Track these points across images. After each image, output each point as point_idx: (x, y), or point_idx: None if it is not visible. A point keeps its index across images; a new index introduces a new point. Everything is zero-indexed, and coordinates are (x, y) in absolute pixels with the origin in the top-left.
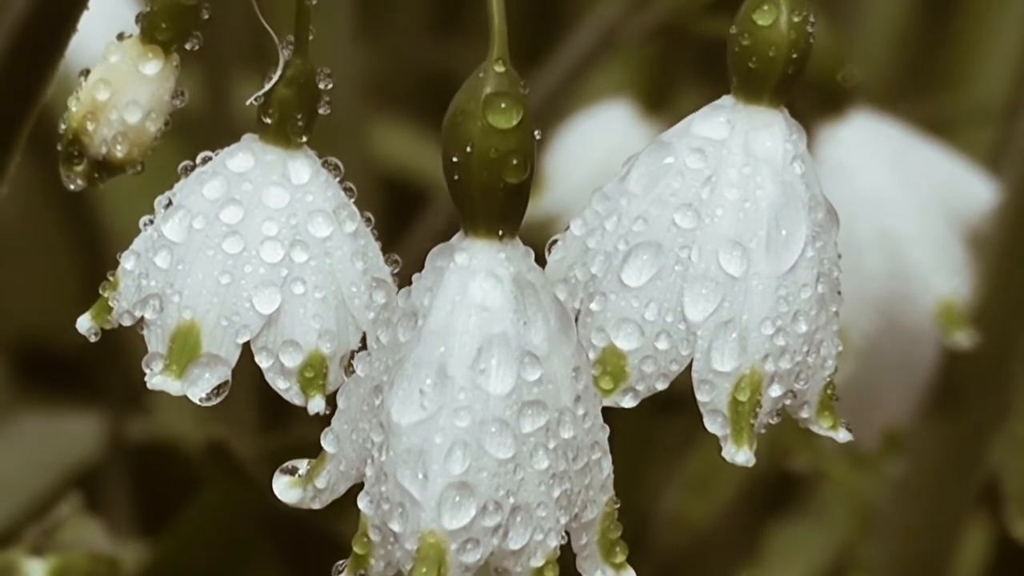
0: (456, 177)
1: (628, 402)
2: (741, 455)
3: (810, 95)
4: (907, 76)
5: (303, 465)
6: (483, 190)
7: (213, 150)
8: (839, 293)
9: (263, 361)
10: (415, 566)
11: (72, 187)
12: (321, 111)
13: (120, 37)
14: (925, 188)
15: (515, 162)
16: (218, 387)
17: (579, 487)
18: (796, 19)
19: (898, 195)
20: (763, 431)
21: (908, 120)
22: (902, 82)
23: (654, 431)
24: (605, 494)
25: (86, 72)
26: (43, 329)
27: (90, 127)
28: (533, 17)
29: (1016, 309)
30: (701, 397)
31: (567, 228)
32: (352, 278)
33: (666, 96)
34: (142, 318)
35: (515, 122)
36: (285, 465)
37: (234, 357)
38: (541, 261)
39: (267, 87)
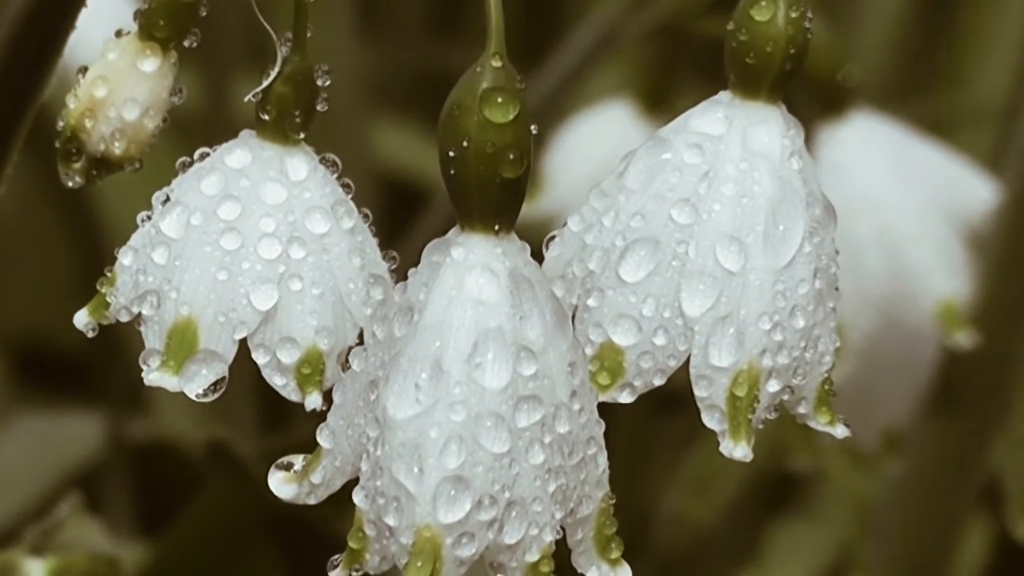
0: (452, 171)
1: (625, 398)
2: (739, 450)
3: (810, 95)
4: (907, 76)
5: (299, 461)
6: (479, 184)
7: (211, 147)
8: (837, 289)
9: (260, 357)
10: (410, 560)
11: (70, 184)
12: (320, 108)
13: (118, 34)
14: (925, 188)
15: (511, 157)
16: (215, 383)
17: (575, 482)
18: (793, 15)
19: (898, 195)
20: (761, 427)
21: (908, 120)
22: (902, 82)
23: (654, 431)
24: (601, 489)
25: (84, 69)
26: (43, 329)
27: (88, 124)
28: (533, 17)
29: (1016, 309)
30: (699, 392)
31: (565, 224)
32: (349, 274)
33: (666, 96)
34: (139, 314)
35: (511, 116)
36: (280, 461)
37: (231, 353)
38: (539, 258)
39: (265, 84)
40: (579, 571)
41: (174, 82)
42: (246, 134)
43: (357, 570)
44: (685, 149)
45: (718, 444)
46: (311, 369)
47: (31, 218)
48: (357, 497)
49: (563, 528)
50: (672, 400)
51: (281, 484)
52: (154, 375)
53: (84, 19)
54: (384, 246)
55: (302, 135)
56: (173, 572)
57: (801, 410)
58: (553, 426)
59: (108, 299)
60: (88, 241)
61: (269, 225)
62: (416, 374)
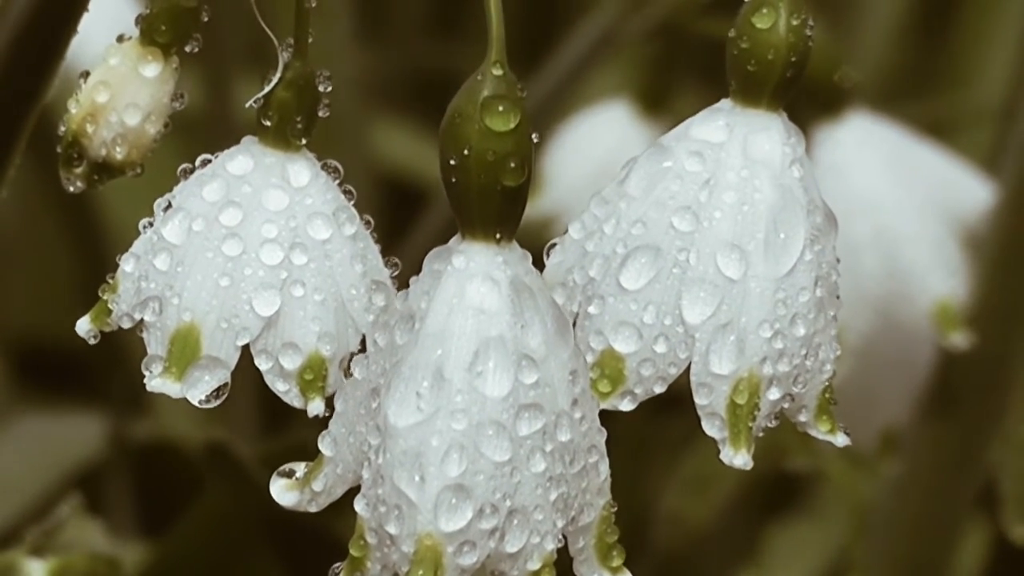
0: (453, 180)
1: (626, 405)
2: (739, 458)
3: (807, 96)
4: (904, 77)
5: (300, 468)
6: (480, 193)
7: (213, 152)
8: (837, 297)
9: (262, 363)
10: (412, 568)
11: (72, 189)
12: (320, 113)
13: (120, 39)
14: (922, 189)
15: (513, 165)
16: (217, 389)
17: (576, 490)
18: (795, 22)
19: (895, 196)
20: (761, 434)
21: (905, 121)
22: (899, 83)
23: (653, 432)
24: (602, 497)
25: (86, 74)
26: (44, 330)
27: (90, 129)
28: (532, 17)
29: (1013, 310)
30: (699, 400)
31: (565, 231)
32: (351, 280)
33: (665, 96)
34: (142, 320)
35: (512, 125)
36: (282, 468)
37: (234, 359)
38: (539, 264)
39: (266, 89)
40: None
41: (176, 87)
42: (248, 140)
43: None
44: (686, 157)
45: (717, 448)
46: (313, 375)
47: (32, 221)
48: (359, 505)
49: (564, 536)
50: (671, 401)
51: (283, 491)
52: (156, 381)
53: (86, 24)
54: (384, 246)
55: (304, 141)
56: (173, 573)
57: (802, 418)
58: (554, 434)
59: (110, 306)
60: (89, 244)
61: (271, 231)
62: (417, 382)
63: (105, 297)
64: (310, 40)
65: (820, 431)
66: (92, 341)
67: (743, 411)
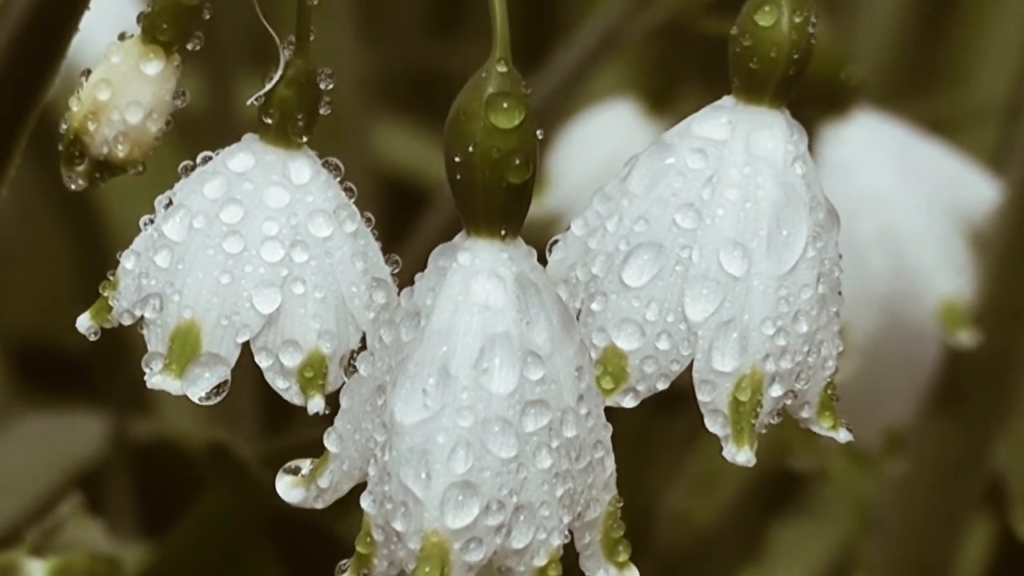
0: (459, 177)
1: (629, 402)
2: (742, 455)
3: (813, 94)
4: (909, 75)
5: (306, 465)
6: (485, 190)
7: (214, 150)
8: (840, 293)
9: (263, 361)
10: (418, 565)
11: (73, 187)
12: (321, 111)
13: (121, 37)
14: (928, 187)
15: (517, 162)
16: (218, 386)
17: (582, 486)
18: (798, 20)
19: (901, 194)
20: (764, 431)
21: (910, 119)
22: (904, 81)
23: (656, 430)
24: (608, 493)
25: (87, 72)
26: (44, 329)
27: (91, 127)
28: (535, 17)
29: (1019, 308)
30: (702, 397)
31: (568, 228)
32: (352, 278)
33: (668, 95)
34: (142, 317)
35: (517, 122)
36: (288, 465)
37: (234, 356)
38: (543, 261)
39: (268, 87)
40: (587, 575)
41: (177, 85)
42: (249, 138)
43: (365, 575)
44: (689, 154)
45: (720, 446)
46: (314, 373)
47: (33, 219)
48: (365, 502)
49: (571, 532)
50: (674, 399)
51: (289, 488)
52: (157, 378)
53: (87, 22)
54: (385, 247)
55: (305, 138)
56: (174, 573)
57: (804, 415)
58: (560, 430)
59: (111, 303)
60: (90, 242)
61: (272, 229)
62: (423, 379)
63: (106, 294)
64: (311, 39)
65: (823, 427)
66: (92, 338)
67: (746, 408)
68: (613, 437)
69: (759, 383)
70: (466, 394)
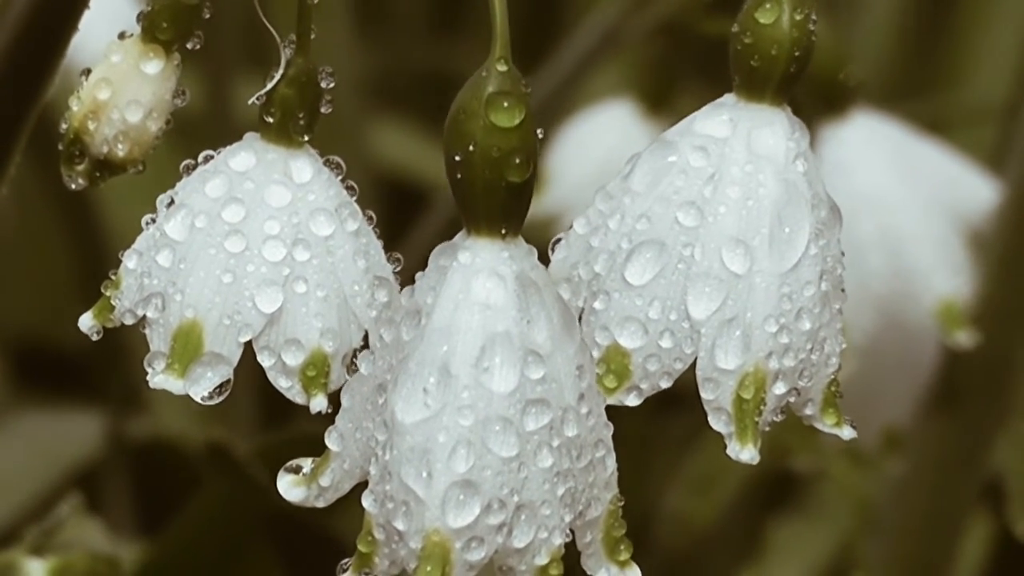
0: (459, 176)
1: (632, 400)
2: (745, 453)
3: (812, 94)
4: (908, 75)
5: (307, 463)
6: (486, 189)
7: (212, 149)
8: (843, 290)
9: (265, 360)
10: (420, 564)
11: (73, 186)
12: (322, 110)
13: (121, 36)
14: (926, 187)
15: (518, 161)
16: (220, 386)
17: (583, 485)
18: (798, 17)
19: (899, 194)
20: (768, 428)
21: (909, 119)
22: (903, 81)
23: (656, 431)
24: (609, 492)
25: (87, 72)
26: (43, 329)
27: (91, 126)
28: (534, 16)
29: (1017, 308)
30: (705, 395)
31: (570, 227)
32: (354, 276)
33: (667, 96)
34: (144, 317)
35: (517, 121)
36: (289, 464)
37: (236, 356)
38: (544, 260)
39: (269, 86)
40: (588, 573)
41: (177, 84)
42: (250, 136)
43: (367, 574)
44: (690, 152)
45: (721, 445)
46: (316, 371)
47: (33, 219)
48: (366, 501)
49: (572, 531)
50: (674, 400)
51: (290, 487)
52: (159, 378)
53: (87, 21)
54: (385, 246)
55: (306, 137)
56: (172, 572)
57: (808, 412)
58: (561, 429)
59: (113, 302)
60: (89, 242)
61: (273, 228)
62: (424, 378)
63: (108, 293)
64: (312, 37)
65: (826, 424)
66: (95, 337)
67: (749, 406)
68: (613, 438)
69: (762, 381)
70: (467, 393)
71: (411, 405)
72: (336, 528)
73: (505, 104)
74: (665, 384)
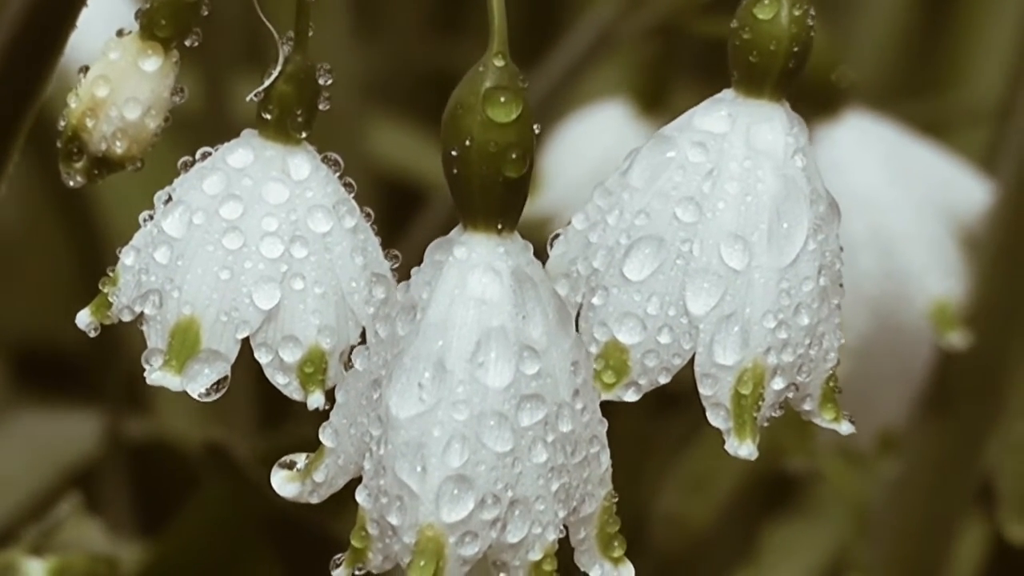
0: (455, 171)
1: (631, 396)
2: (744, 448)
3: (804, 95)
4: (901, 76)
5: (301, 459)
6: (482, 184)
7: (211, 146)
8: (841, 285)
9: (263, 357)
10: (413, 559)
11: (72, 184)
12: (320, 107)
13: (119, 34)
14: (919, 188)
15: (514, 156)
16: (217, 383)
17: (577, 481)
18: (797, 13)
19: (892, 195)
20: (766, 425)
21: (903, 120)
22: (896, 82)
23: (651, 431)
24: (603, 488)
25: (85, 69)
26: (42, 329)
27: (89, 124)
28: (531, 16)
29: (1011, 310)
30: (704, 391)
31: (569, 222)
32: (352, 273)
33: (663, 96)
34: (142, 313)
35: (514, 116)
36: (283, 459)
37: (234, 352)
38: (540, 258)
39: (267, 83)
40: (582, 570)
41: (175, 81)
42: (248, 133)
43: (360, 569)
44: (689, 147)
45: (718, 443)
46: (314, 368)
47: (31, 217)
48: (360, 496)
49: (566, 527)
50: (669, 400)
51: (284, 482)
52: (157, 375)
53: (85, 18)
54: (382, 245)
55: (304, 134)
56: (172, 572)
57: (806, 407)
58: (556, 425)
59: (110, 299)
60: (88, 240)
61: (271, 224)
62: (419, 373)
63: (105, 290)
64: (310, 35)
65: (825, 419)
66: (92, 334)
67: (748, 401)
68: (608, 438)
69: (761, 376)
70: (462, 388)
71: (406, 400)
72: (336, 529)
73: (502, 99)
74: (664, 380)
